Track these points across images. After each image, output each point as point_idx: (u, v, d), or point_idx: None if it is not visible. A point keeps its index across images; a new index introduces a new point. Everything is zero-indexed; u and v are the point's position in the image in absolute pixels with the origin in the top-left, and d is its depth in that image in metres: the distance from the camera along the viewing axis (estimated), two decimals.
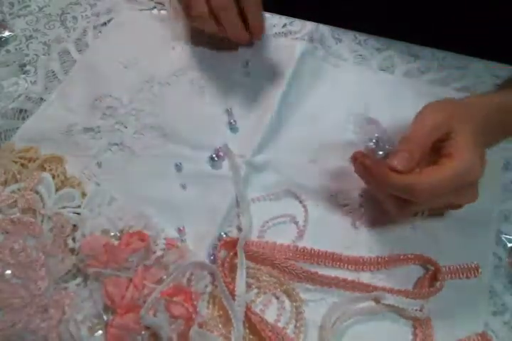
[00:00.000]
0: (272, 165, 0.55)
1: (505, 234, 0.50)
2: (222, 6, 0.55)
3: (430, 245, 0.50)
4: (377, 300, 0.46)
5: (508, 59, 0.62)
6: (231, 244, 0.49)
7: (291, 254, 0.49)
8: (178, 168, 0.55)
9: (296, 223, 0.52)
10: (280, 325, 0.46)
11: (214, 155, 0.55)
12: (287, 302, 0.47)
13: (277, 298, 0.47)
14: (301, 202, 0.53)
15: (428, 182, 0.43)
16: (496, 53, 0.62)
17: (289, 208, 0.53)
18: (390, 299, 0.46)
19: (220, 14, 0.55)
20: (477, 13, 0.62)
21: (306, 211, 0.52)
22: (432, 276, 0.48)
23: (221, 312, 0.46)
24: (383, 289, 0.47)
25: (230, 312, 0.45)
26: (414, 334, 0.46)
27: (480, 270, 0.48)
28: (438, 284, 0.47)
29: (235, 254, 0.48)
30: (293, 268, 0.48)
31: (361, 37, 0.65)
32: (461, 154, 0.44)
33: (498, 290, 0.48)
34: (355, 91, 0.60)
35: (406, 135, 0.47)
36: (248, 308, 0.45)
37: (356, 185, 0.53)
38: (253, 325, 0.45)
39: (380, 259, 0.49)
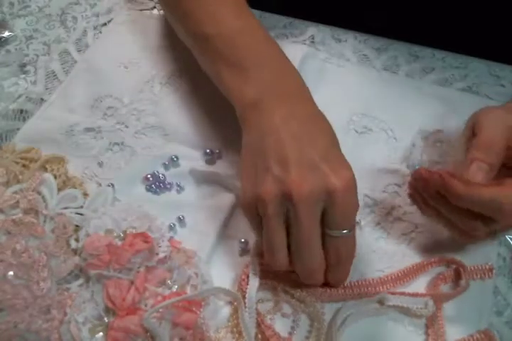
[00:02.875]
0: None
1: (510, 235, 0.50)
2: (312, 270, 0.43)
3: (434, 246, 0.50)
4: (381, 303, 0.46)
5: (508, 59, 0.62)
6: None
7: None
8: (175, 163, 0.55)
9: None
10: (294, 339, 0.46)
11: (208, 151, 0.55)
12: (303, 316, 0.47)
13: (294, 311, 0.47)
14: None
15: None
16: (496, 53, 0.62)
17: None
18: (393, 300, 0.46)
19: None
20: (477, 13, 0.62)
21: None
22: (452, 276, 0.48)
23: (234, 323, 0.46)
24: (392, 293, 0.47)
25: (241, 324, 0.45)
26: (427, 334, 0.46)
27: (494, 271, 0.48)
28: (463, 283, 0.47)
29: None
30: (310, 289, 0.47)
31: (361, 37, 0.65)
32: None
33: (502, 290, 0.48)
34: (358, 91, 0.60)
35: (477, 143, 0.42)
36: (261, 320, 0.45)
37: (361, 184, 0.53)
38: (266, 338, 0.44)
39: (400, 274, 0.48)
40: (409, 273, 0.48)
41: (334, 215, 0.40)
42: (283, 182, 0.40)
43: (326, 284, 0.46)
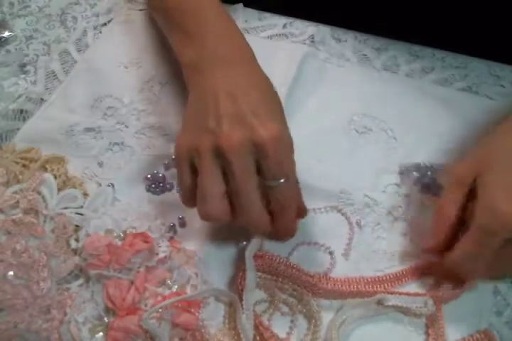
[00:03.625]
0: None
1: None
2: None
3: None
4: (380, 303, 0.46)
5: (508, 59, 0.62)
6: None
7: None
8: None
9: None
10: (292, 339, 0.46)
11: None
12: (300, 316, 0.47)
13: (291, 311, 0.47)
14: None
15: None
16: (496, 53, 0.62)
17: None
18: (393, 300, 0.46)
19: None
20: (477, 13, 0.62)
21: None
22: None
23: (232, 324, 0.46)
24: (391, 292, 0.47)
25: (238, 325, 0.45)
26: (427, 334, 0.46)
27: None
28: (466, 285, 0.46)
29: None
30: (309, 285, 0.47)
31: (361, 37, 0.65)
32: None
33: (502, 291, 0.47)
34: (358, 91, 0.60)
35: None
36: (259, 322, 0.45)
37: (360, 185, 0.53)
38: (264, 339, 0.45)
39: (399, 273, 0.48)
40: (409, 274, 0.48)
41: (266, 166, 0.42)
42: (215, 135, 0.42)
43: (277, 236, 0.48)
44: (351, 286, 0.47)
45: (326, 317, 0.46)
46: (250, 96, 0.45)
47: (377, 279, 0.48)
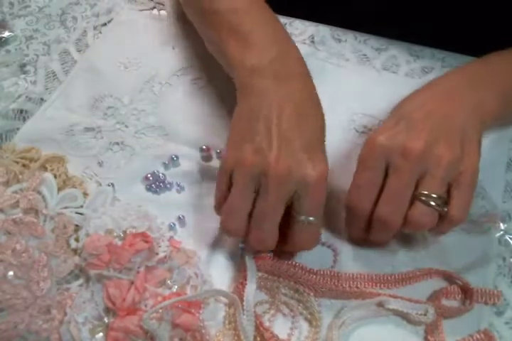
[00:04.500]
0: None
1: (509, 234, 0.50)
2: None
3: (433, 244, 0.50)
4: (380, 305, 0.46)
5: None
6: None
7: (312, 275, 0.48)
8: (175, 163, 0.55)
9: None
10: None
11: (204, 147, 0.55)
12: (301, 318, 0.47)
13: (292, 312, 0.47)
14: None
15: None
16: None
17: None
18: (394, 303, 0.46)
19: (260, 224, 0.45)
20: (477, 13, 0.62)
21: None
22: (450, 292, 0.48)
23: (233, 325, 0.46)
24: (393, 296, 0.46)
25: (239, 326, 0.45)
26: (426, 340, 0.45)
27: (501, 298, 0.47)
28: (468, 304, 0.46)
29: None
30: (312, 283, 0.47)
31: (361, 37, 0.65)
32: None
33: (502, 291, 0.47)
34: (359, 91, 0.60)
35: None
36: (260, 323, 0.45)
37: None
38: (264, 340, 0.44)
39: (398, 276, 0.48)
40: (409, 278, 0.48)
41: (304, 202, 0.43)
42: (265, 156, 0.43)
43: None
44: (354, 284, 0.47)
45: (327, 318, 0.46)
46: (306, 127, 0.45)
47: (381, 278, 0.48)
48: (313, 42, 0.64)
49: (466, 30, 0.63)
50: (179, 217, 0.51)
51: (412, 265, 0.49)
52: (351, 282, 0.47)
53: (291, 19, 0.67)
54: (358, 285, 0.47)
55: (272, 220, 0.44)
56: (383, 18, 0.65)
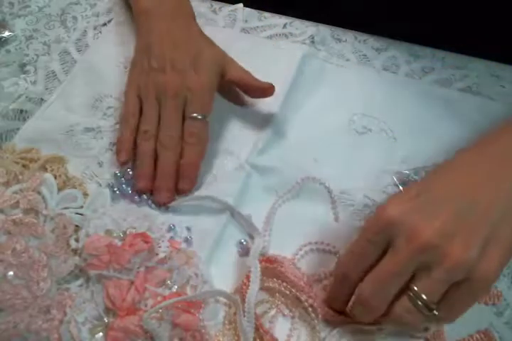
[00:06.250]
0: (275, 166, 0.54)
1: None
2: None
3: None
4: (380, 329, 0.44)
5: (508, 59, 0.62)
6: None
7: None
8: None
9: None
10: None
11: None
12: (300, 320, 0.46)
13: (291, 312, 0.47)
14: None
15: None
16: (496, 53, 0.62)
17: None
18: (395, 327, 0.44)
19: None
20: (477, 13, 0.62)
21: None
22: None
23: (233, 326, 0.46)
24: None
25: (239, 328, 0.44)
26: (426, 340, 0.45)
27: (501, 298, 0.46)
28: None
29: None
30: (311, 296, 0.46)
31: (361, 37, 0.65)
32: None
33: (502, 291, 0.47)
34: (358, 91, 0.60)
35: None
36: (260, 324, 0.45)
37: (360, 185, 0.53)
38: None
39: None
40: None
41: (192, 103, 0.52)
42: (160, 77, 0.54)
43: None
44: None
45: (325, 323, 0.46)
46: (191, 48, 0.55)
47: None
48: (313, 42, 0.64)
49: (466, 30, 0.63)
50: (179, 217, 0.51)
51: None
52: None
53: (291, 19, 0.67)
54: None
55: (175, 122, 0.54)
56: (383, 18, 0.65)
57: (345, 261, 0.43)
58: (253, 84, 0.55)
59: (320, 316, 0.45)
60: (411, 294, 0.38)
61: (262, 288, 0.47)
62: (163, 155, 0.52)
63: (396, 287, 0.39)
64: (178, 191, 0.52)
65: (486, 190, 0.40)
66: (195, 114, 0.52)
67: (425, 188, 0.42)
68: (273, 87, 0.55)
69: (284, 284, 0.47)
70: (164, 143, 0.52)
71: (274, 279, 0.47)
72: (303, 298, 0.46)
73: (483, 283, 0.38)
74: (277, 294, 0.47)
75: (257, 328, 0.44)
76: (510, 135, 0.45)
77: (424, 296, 0.38)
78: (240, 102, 0.59)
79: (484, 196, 0.40)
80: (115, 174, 0.53)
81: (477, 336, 0.45)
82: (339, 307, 0.45)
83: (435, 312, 0.38)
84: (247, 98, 0.59)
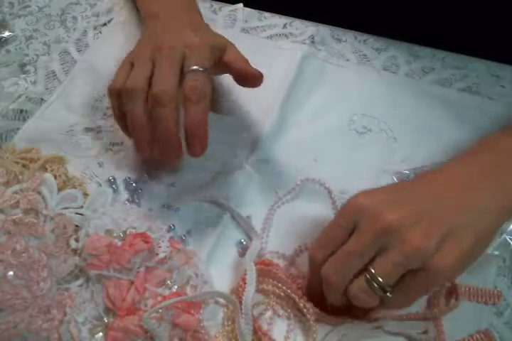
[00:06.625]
0: (275, 166, 0.55)
1: (509, 235, 0.50)
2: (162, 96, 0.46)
3: None
4: (379, 327, 0.45)
5: (508, 59, 0.62)
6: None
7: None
8: None
9: None
10: None
11: None
12: (296, 322, 0.46)
13: (286, 313, 0.47)
14: None
15: None
16: (496, 53, 0.62)
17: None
18: (393, 326, 0.45)
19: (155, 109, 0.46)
20: (477, 13, 0.62)
21: None
22: (448, 293, 0.47)
23: (231, 327, 0.45)
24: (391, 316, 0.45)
25: (237, 330, 0.44)
26: None
27: (501, 298, 0.46)
28: (452, 303, 0.45)
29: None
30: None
31: (361, 37, 0.65)
32: None
33: (502, 291, 0.47)
34: (359, 91, 0.60)
35: None
36: (258, 327, 0.45)
37: (361, 184, 0.53)
38: None
39: None
40: None
41: (191, 57, 0.48)
42: (157, 41, 0.50)
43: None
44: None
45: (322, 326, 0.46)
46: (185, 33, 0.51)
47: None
48: (313, 42, 0.64)
49: (466, 30, 0.63)
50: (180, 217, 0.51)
51: None
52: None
53: (291, 19, 0.67)
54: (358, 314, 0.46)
55: (172, 74, 0.47)
56: (383, 18, 0.65)
57: (314, 244, 0.44)
58: (247, 69, 0.51)
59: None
60: (368, 275, 0.40)
61: (257, 290, 0.47)
62: (157, 114, 0.46)
63: (356, 267, 0.41)
64: (192, 154, 0.47)
65: (458, 196, 0.42)
66: (195, 67, 0.47)
67: (401, 186, 0.46)
68: (262, 77, 0.51)
69: (280, 285, 0.47)
70: (157, 99, 0.46)
71: (270, 280, 0.47)
72: (297, 299, 0.46)
73: (436, 275, 0.39)
74: (272, 295, 0.47)
75: (256, 331, 0.44)
76: (491, 150, 0.47)
77: (379, 278, 0.39)
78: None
79: (455, 200, 0.42)
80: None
81: (477, 336, 0.45)
82: (317, 297, 0.46)
83: (388, 294, 0.40)
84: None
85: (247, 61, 0.52)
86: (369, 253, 0.40)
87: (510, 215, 0.43)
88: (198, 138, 0.47)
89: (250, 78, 0.52)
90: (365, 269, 0.40)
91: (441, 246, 0.39)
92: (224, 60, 0.52)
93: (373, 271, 0.40)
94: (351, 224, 0.42)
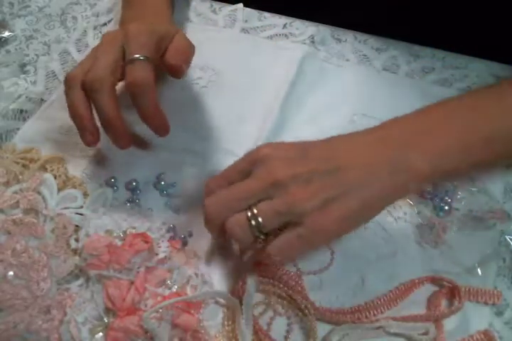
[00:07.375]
0: None
1: (509, 235, 0.50)
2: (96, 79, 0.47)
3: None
4: (381, 329, 0.45)
5: (508, 59, 0.62)
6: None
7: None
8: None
9: None
10: None
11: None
12: (296, 319, 0.46)
13: (286, 312, 0.46)
14: None
15: None
16: (496, 53, 0.62)
17: None
18: (394, 327, 0.44)
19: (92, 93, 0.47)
20: (477, 13, 0.62)
21: None
22: (448, 294, 0.47)
23: (232, 327, 0.45)
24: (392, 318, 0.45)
25: (237, 330, 0.44)
26: None
27: (501, 298, 0.46)
28: (455, 305, 0.45)
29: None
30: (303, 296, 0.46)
31: (361, 37, 0.65)
32: None
33: (502, 291, 0.47)
34: (358, 91, 0.60)
35: None
36: (258, 328, 0.44)
37: None
38: None
39: (392, 294, 0.47)
40: (402, 293, 0.47)
41: (129, 45, 0.48)
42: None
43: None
44: (347, 317, 0.46)
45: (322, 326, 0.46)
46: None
47: (371, 305, 0.46)
48: (313, 42, 0.64)
49: (466, 30, 0.63)
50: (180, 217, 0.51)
51: (411, 265, 0.49)
52: (343, 315, 0.46)
53: (291, 19, 0.67)
54: (359, 317, 0.46)
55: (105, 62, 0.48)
56: (383, 18, 0.65)
57: (209, 180, 0.46)
58: (168, 61, 0.50)
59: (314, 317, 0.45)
60: (249, 213, 0.42)
61: (257, 290, 0.47)
62: (93, 100, 0.47)
63: (237, 208, 0.42)
64: (160, 136, 0.51)
65: (356, 163, 0.43)
66: (136, 55, 0.47)
67: (311, 145, 0.46)
68: (183, 73, 0.51)
69: (280, 285, 0.47)
70: (88, 85, 0.47)
71: (270, 280, 0.47)
72: (298, 299, 0.46)
73: (312, 233, 0.41)
74: (272, 295, 0.47)
75: (256, 331, 0.44)
76: (400, 123, 0.49)
77: (259, 218, 0.41)
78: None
79: (352, 167, 0.43)
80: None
81: (477, 336, 0.45)
82: (216, 234, 0.46)
83: (262, 236, 0.42)
84: None
85: (190, 50, 0.52)
86: (253, 199, 0.42)
87: (404, 190, 0.45)
88: (157, 125, 0.50)
89: (171, 69, 0.51)
90: (247, 209, 0.42)
91: (324, 207, 0.41)
92: (168, 48, 0.50)
93: (255, 211, 0.41)
94: (248, 169, 0.44)
